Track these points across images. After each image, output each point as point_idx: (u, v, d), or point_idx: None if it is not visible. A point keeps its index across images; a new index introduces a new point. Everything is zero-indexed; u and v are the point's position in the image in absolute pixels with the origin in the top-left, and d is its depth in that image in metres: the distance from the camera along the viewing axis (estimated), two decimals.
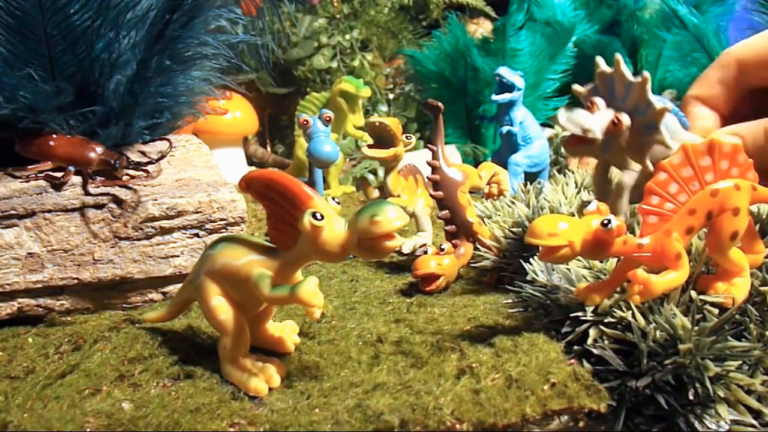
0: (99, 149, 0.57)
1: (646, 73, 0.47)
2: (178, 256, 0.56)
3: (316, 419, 0.36)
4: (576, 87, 0.53)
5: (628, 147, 0.49)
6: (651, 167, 0.48)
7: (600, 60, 0.51)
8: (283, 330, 0.46)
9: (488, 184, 0.67)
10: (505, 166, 0.98)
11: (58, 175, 0.55)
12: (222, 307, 0.41)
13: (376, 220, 0.35)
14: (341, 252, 0.38)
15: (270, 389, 0.40)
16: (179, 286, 0.54)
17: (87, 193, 0.55)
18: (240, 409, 0.37)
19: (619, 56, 0.48)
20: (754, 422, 0.40)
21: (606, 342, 0.43)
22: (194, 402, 0.37)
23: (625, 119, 0.47)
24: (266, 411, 0.37)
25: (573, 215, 0.53)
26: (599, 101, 0.49)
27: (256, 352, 0.43)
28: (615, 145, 0.48)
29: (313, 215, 0.36)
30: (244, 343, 0.41)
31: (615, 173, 0.55)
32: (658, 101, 0.47)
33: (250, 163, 1.28)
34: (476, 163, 1.20)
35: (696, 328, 0.41)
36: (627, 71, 0.48)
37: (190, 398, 0.38)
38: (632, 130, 0.48)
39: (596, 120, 0.48)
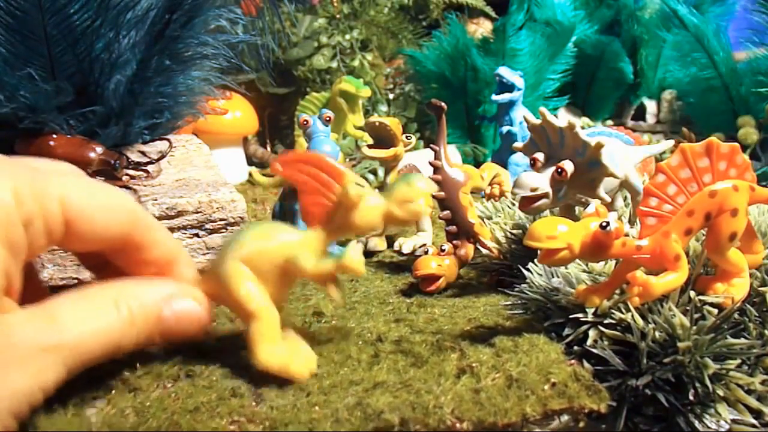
0: (99, 149, 0.57)
1: (572, 120, 0.49)
2: None
3: (315, 417, 0.36)
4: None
5: (580, 187, 0.50)
6: (608, 198, 0.51)
7: (528, 115, 0.54)
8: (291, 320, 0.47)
9: (490, 185, 0.67)
10: (505, 166, 0.98)
11: None
12: (255, 292, 0.39)
13: (411, 186, 0.41)
14: (379, 221, 0.41)
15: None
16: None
17: None
18: (239, 406, 0.37)
19: (542, 109, 0.50)
20: (755, 422, 0.40)
21: (606, 343, 0.43)
22: (193, 401, 0.37)
23: (568, 166, 0.48)
24: (266, 408, 0.37)
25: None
26: (539, 156, 0.50)
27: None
28: (567, 190, 0.50)
29: (357, 185, 0.40)
30: (279, 328, 0.40)
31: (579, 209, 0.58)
32: (591, 138, 0.49)
33: (250, 163, 1.28)
34: (476, 163, 1.20)
35: (695, 327, 0.41)
36: (554, 119, 0.49)
37: (190, 398, 0.38)
38: (578, 172, 0.49)
39: (541, 176, 0.49)
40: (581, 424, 0.39)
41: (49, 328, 0.34)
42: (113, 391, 0.39)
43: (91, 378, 0.40)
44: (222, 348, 0.44)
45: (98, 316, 0.36)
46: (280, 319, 0.41)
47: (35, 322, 0.34)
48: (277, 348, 0.39)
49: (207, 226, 0.57)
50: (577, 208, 0.59)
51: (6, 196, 0.33)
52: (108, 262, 0.41)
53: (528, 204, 0.49)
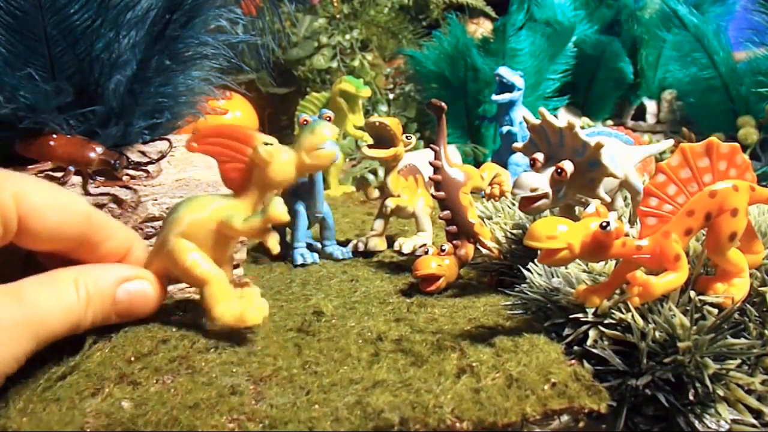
0: (99, 149, 0.57)
1: (571, 120, 0.49)
2: None
3: (315, 415, 0.36)
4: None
5: (580, 187, 0.50)
6: (608, 198, 0.51)
7: (528, 115, 0.54)
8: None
9: (490, 185, 0.67)
10: (505, 166, 0.98)
11: (58, 175, 0.55)
12: (200, 260, 0.44)
13: (315, 133, 0.45)
14: (293, 172, 0.45)
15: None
16: (179, 285, 0.54)
17: (87, 193, 0.55)
18: (239, 404, 0.37)
19: (542, 109, 0.50)
20: (755, 421, 0.40)
21: (606, 343, 0.43)
22: (193, 398, 0.37)
23: (568, 166, 0.48)
24: (265, 406, 0.37)
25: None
26: (539, 156, 0.50)
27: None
28: (567, 191, 0.50)
29: (264, 143, 0.43)
30: (228, 284, 0.45)
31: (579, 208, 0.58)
32: (591, 138, 0.49)
33: None
34: (476, 163, 1.20)
35: (695, 327, 0.41)
36: (553, 120, 0.49)
37: (189, 394, 0.38)
38: (578, 171, 0.49)
39: (541, 176, 0.49)
40: (581, 424, 0.39)
41: (17, 305, 0.37)
42: (111, 384, 0.39)
43: (88, 369, 0.40)
44: (221, 345, 0.44)
45: (60, 296, 0.39)
46: (227, 278, 0.46)
47: (3, 299, 0.37)
48: (231, 304, 0.44)
49: None
50: (577, 208, 0.59)
51: None
52: (70, 261, 0.43)
53: (528, 204, 0.49)
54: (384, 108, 1.41)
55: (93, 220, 0.43)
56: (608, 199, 0.51)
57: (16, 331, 0.36)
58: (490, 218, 0.72)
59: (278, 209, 0.42)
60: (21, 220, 0.38)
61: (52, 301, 0.39)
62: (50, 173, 0.55)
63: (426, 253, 0.59)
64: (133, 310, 0.44)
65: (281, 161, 0.44)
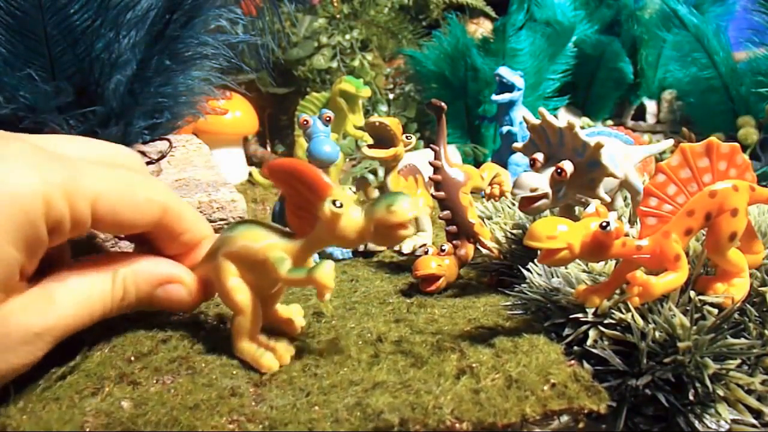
0: None
1: (571, 120, 0.49)
2: None
3: (315, 417, 0.36)
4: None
5: (580, 187, 0.50)
6: (608, 198, 0.51)
7: (528, 115, 0.54)
8: (291, 312, 0.48)
9: (490, 185, 0.67)
10: (505, 166, 0.98)
11: None
12: (239, 288, 0.43)
13: (392, 210, 0.38)
14: (357, 238, 0.40)
15: (277, 370, 0.42)
16: None
17: None
18: (239, 405, 0.37)
19: (542, 109, 0.50)
20: (755, 422, 0.40)
21: (606, 343, 0.43)
22: (193, 399, 0.37)
23: (568, 166, 0.48)
24: (265, 408, 0.37)
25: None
26: (539, 156, 0.50)
27: (265, 333, 0.45)
28: (567, 191, 0.50)
29: (333, 203, 0.39)
30: (258, 321, 0.43)
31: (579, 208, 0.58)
32: (591, 138, 0.49)
33: (250, 163, 1.28)
34: (476, 163, 1.20)
35: (695, 327, 0.41)
36: (553, 120, 0.49)
37: (189, 395, 0.38)
38: (578, 171, 0.49)
39: (541, 176, 0.49)
40: (581, 425, 0.39)
41: (45, 312, 0.37)
42: (111, 383, 0.39)
43: (88, 369, 0.40)
44: (221, 346, 0.44)
45: (92, 290, 0.40)
46: (274, 311, 0.46)
47: (33, 306, 0.37)
48: (251, 342, 0.43)
49: None
50: (577, 208, 0.59)
51: (35, 202, 0.35)
52: (142, 235, 0.45)
53: (528, 204, 0.49)
54: (384, 108, 1.41)
55: (169, 214, 0.44)
56: (608, 199, 0.51)
57: (38, 340, 0.37)
58: (490, 218, 0.72)
59: (325, 275, 0.38)
60: (95, 220, 0.39)
61: (84, 296, 0.40)
62: None
63: (426, 253, 0.59)
64: (167, 306, 0.45)
65: (345, 225, 0.40)
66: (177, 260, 0.46)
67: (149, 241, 0.46)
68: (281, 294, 0.47)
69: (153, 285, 0.44)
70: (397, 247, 0.66)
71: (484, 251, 0.61)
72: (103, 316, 0.41)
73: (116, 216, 0.40)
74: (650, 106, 1.52)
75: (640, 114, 1.53)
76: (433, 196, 0.63)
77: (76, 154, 0.41)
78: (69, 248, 0.46)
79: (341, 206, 0.39)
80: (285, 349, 0.43)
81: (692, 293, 0.44)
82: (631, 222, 0.61)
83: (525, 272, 0.53)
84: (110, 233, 0.44)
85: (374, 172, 1.18)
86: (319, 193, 0.40)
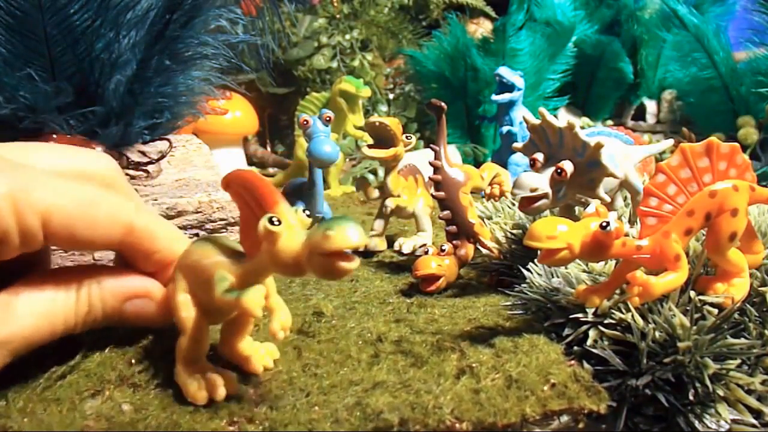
0: (99, 149, 0.57)
1: (571, 120, 0.49)
2: None
3: (315, 417, 0.36)
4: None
5: (580, 187, 0.50)
6: (608, 198, 0.50)
7: (528, 115, 0.54)
8: (256, 351, 0.42)
9: (490, 185, 0.67)
10: (505, 166, 0.98)
11: None
12: (186, 305, 0.39)
13: (328, 235, 0.32)
14: (294, 264, 0.34)
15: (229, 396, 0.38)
16: None
17: None
18: (239, 407, 0.37)
19: (542, 109, 0.50)
20: (755, 422, 0.40)
21: (606, 343, 0.43)
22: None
23: (568, 166, 0.48)
24: (265, 409, 0.37)
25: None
26: (539, 156, 0.50)
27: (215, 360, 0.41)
28: (567, 191, 0.50)
29: (270, 219, 0.33)
30: (200, 348, 0.39)
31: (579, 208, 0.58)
32: (591, 138, 0.49)
33: (250, 163, 1.28)
34: (476, 163, 1.20)
35: (695, 327, 0.41)
36: (553, 120, 0.49)
37: None
38: (578, 171, 0.49)
39: (541, 176, 0.49)
40: (581, 425, 0.39)
41: (5, 322, 0.36)
42: (111, 386, 0.39)
43: (88, 369, 0.40)
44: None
45: (55, 303, 0.38)
46: (235, 344, 0.42)
47: None
48: (187, 368, 0.38)
49: (207, 226, 0.57)
50: (577, 208, 0.59)
51: None
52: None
53: (528, 204, 0.49)
54: (384, 108, 1.41)
55: (135, 233, 0.41)
56: (608, 199, 0.51)
57: None
58: (490, 218, 0.72)
59: (250, 300, 0.33)
60: (48, 233, 0.37)
61: (44, 309, 0.38)
62: None
63: (426, 253, 0.59)
64: (135, 322, 0.43)
65: (281, 249, 0.34)
66: (153, 277, 0.43)
67: (122, 256, 0.43)
68: (246, 328, 0.42)
69: (120, 300, 0.41)
70: (397, 247, 0.66)
71: (484, 251, 0.61)
72: (67, 331, 0.39)
73: (71, 232, 0.37)
74: (650, 106, 1.52)
75: (640, 114, 1.54)
76: (433, 196, 0.63)
77: (45, 165, 0.39)
78: (49, 259, 0.44)
79: (279, 224, 0.33)
80: (221, 383, 0.38)
81: (692, 293, 0.44)
82: (631, 222, 0.61)
83: (525, 272, 0.53)
84: (67, 249, 0.41)
85: (374, 172, 1.18)
86: (265, 208, 0.35)
